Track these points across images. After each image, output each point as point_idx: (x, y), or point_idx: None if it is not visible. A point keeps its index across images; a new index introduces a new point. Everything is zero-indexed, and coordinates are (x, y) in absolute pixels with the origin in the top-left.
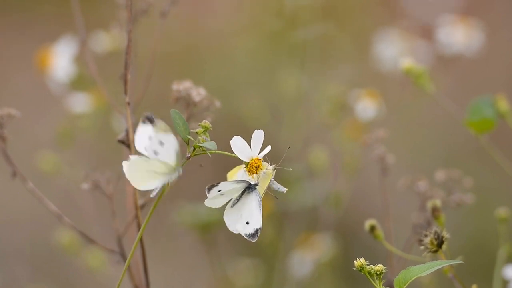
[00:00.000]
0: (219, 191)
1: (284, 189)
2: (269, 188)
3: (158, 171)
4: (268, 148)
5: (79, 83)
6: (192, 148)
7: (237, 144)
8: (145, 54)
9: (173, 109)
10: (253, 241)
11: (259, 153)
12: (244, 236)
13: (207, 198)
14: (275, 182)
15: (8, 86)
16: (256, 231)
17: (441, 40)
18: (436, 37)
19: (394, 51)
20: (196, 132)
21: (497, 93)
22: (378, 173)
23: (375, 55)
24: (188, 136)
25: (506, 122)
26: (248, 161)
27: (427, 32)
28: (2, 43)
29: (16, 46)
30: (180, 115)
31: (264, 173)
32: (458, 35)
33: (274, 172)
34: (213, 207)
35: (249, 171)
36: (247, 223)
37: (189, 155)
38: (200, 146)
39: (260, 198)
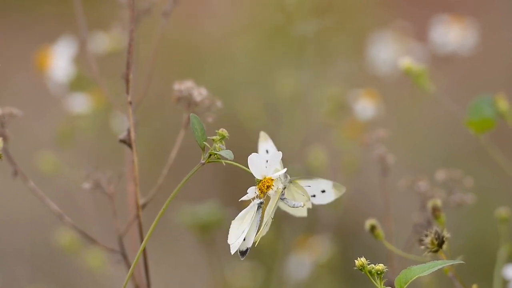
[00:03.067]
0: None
1: (301, 204)
2: (285, 205)
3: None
4: (284, 170)
5: (78, 83)
6: (208, 155)
7: (255, 162)
8: (146, 53)
9: (192, 113)
10: (241, 259)
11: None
12: (238, 252)
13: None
14: (289, 200)
15: (8, 86)
16: (247, 250)
17: (436, 40)
18: (430, 37)
19: (389, 53)
20: (213, 140)
21: (497, 93)
22: (378, 173)
23: (370, 58)
24: (204, 142)
25: (506, 122)
26: (261, 179)
27: (421, 32)
28: (2, 43)
29: (16, 46)
30: (198, 120)
31: (275, 192)
32: (452, 35)
33: (284, 191)
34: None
35: (259, 190)
36: (244, 239)
37: (203, 161)
38: (216, 154)
39: (259, 219)
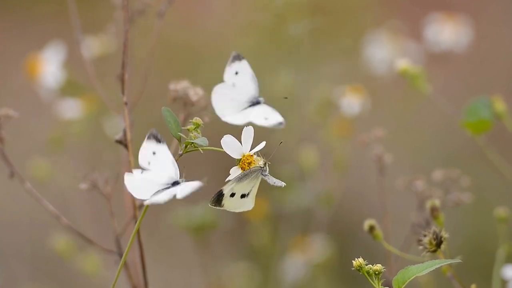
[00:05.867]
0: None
1: (282, 183)
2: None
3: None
4: (262, 144)
5: (69, 88)
6: (184, 145)
7: (227, 142)
8: (142, 54)
9: (164, 106)
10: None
11: (252, 149)
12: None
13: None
14: (270, 177)
15: (6, 85)
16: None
17: (430, 38)
18: (425, 35)
19: (384, 53)
20: (188, 129)
21: (494, 94)
22: (376, 173)
23: (366, 58)
24: (179, 133)
25: (503, 123)
26: (240, 158)
27: (418, 31)
28: (0, 42)
29: (14, 46)
30: (171, 113)
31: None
32: (446, 33)
33: (267, 167)
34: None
35: (241, 168)
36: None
37: (181, 152)
38: (192, 143)
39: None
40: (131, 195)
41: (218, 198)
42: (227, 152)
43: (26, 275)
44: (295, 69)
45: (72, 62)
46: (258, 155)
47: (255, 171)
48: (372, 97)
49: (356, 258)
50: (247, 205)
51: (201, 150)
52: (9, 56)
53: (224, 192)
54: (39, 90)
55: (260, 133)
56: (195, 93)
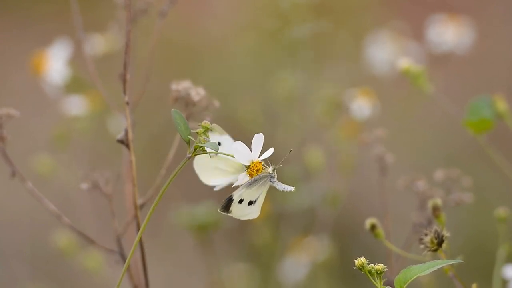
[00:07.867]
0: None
1: (291, 188)
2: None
3: (227, 169)
4: (270, 151)
5: (74, 85)
6: (193, 148)
7: (239, 149)
8: (143, 54)
9: (174, 108)
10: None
11: (260, 156)
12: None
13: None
14: (279, 183)
15: (7, 85)
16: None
17: (432, 39)
18: (427, 36)
19: (386, 53)
20: (197, 133)
21: (496, 93)
22: (377, 172)
23: (367, 58)
24: (189, 136)
25: (504, 122)
26: (249, 164)
27: (419, 32)
28: (1, 42)
29: (14, 46)
30: (180, 115)
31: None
32: (449, 34)
33: (275, 173)
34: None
35: (250, 175)
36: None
37: (189, 155)
38: (201, 147)
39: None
40: (132, 195)
41: (227, 204)
42: (237, 159)
43: (26, 275)
44: (297, 69)
45: (73, 61)
46: (266, 162)
47: (264, 177)
48: (373, 96)
49: (357, 258)
50: (254, 213)
51: (209, 155)
52: (9, 56)
53: (233, 198)
54: (45, 87)
55: (263, 133)
56: (196, 93)
